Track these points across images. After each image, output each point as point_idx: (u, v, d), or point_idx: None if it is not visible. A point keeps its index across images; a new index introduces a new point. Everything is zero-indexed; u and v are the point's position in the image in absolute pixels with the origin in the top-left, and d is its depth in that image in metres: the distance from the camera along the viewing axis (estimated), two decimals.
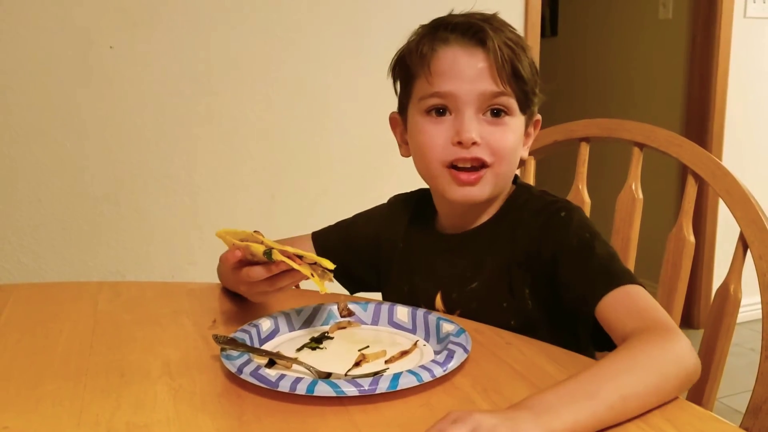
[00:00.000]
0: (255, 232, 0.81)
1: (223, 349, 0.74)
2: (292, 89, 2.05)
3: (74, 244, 1.91)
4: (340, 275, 1.01)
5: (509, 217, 0.94)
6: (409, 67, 0.92)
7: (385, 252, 1.03)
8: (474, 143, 0.87)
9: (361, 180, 2.15)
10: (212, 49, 1.96)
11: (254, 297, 0.84)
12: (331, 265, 0.78)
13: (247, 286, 0.84)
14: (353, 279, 1.05)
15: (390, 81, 0.98)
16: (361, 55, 2.09)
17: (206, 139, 2.00)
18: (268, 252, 0.77)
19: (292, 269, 0.77)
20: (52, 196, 1.88)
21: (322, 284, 0.78)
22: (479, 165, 0.88)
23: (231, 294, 0.98)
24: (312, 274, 0.78)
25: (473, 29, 0.88)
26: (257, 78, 2.01)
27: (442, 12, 0.94)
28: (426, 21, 0.94)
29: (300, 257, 0.78)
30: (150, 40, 1.91)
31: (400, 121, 0.97)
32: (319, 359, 0.75)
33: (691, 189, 1.05)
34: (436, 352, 0.76)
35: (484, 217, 0.95)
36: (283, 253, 0.77)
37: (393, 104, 0.99)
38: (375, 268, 1.04)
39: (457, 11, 0.94)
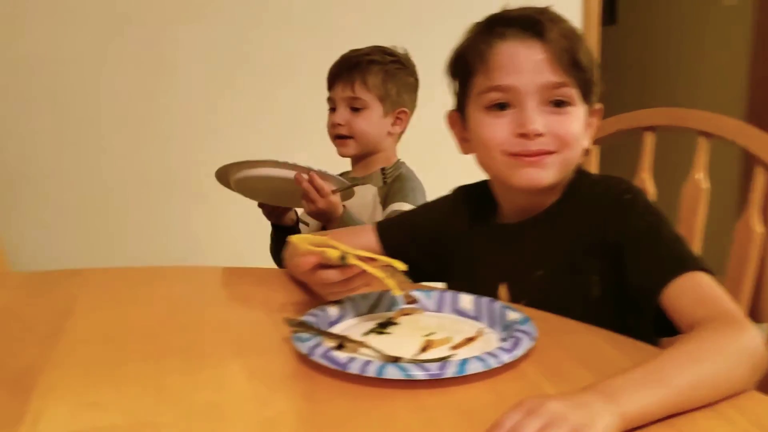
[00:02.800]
0: (325, 239, 0.84)
1: (294, 332, 0.76)
2: None
3: (144, 230, 1.99)
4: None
5: (572, 202, 0.94)
6: (466, 65, 0.94)
7: (448, 243, 1.04)
8: (538, 134, 0.88)
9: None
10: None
11: (328, 297, 0.86)
12: (403, 266, 0.80)
13: (320, 288, 0.86)
14: (415, 269, 1.07)
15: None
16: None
17: (266, 133, 2.04)
18: (343, 257, 0.79)
19: (365, 271, 0.80)
20: (125, 184, 1.96)
21: (395, 285, 0.80)
22: (546, 154, 0.89)
23: (297, 280, 1.01)
24: (385, 276, 0.80)
25: (529, 22, 0.90)
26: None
27: (491, 8, 0.95)
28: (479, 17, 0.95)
29: (373, 259, 0.80)
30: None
31: (459, 118, 0.98)
32: (385, 344, 0.77)
33: (761, 179, 1.03)
34: (502, 340, 0.77)
35: (547, 204, 0.95)
36: (357, 256, 0.80)
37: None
38: (437, 260, 1.05)
39: (508, 8, 0.94)
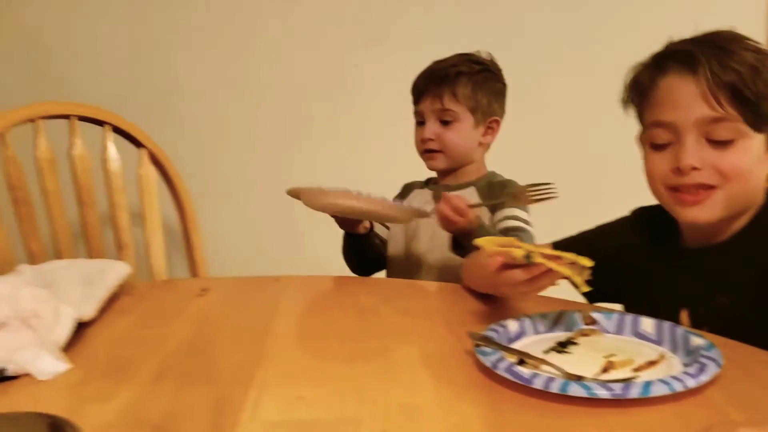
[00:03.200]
0: (510, 239, 0.88)
1: (476, 345, 0.81)
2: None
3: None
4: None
5: (761, 229, 0.91)
6: (636, 97, 0.96)
7: (627, 265, 1.04)
8: (694, 168, 0.87)
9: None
10: None
11: (515, 297, 0.91)
12: (589, 263, 0.82)
13: (508, 288, 0.90)
14: (593, 289, 1.08)
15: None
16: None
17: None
18: (528, 255, 0.83)
19: (551, 270, 0.83)
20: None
21: (581, 282, 0.83)
22: (705, 188, 0.88)
23: (473, 294, 1.06)
24: (571, 274, 0.83)
25: (685, 56, 0.90)
26: None
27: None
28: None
29: (558, 258, 0.83)
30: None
31: (640, 143, 1.00)
32: (565, 362, 0.79)
33: None
34: (686, 365, 0.77)
35: (732, 230, 0.93)
36: (543, 254, 0.83)
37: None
38: (615, 281, 1.06)
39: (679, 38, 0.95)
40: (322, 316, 1.02)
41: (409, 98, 2.02)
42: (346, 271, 1.47)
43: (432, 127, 1.45)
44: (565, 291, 1.05)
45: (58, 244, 1.51)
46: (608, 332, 0.90)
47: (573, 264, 0.83)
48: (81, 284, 1.00)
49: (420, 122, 1.49)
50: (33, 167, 1.49)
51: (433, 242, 1.44)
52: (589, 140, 2.10)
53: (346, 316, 1.02)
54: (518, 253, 0.85)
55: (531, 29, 2.05)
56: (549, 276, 0.86)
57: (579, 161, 2.09)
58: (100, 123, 1.58)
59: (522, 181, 1.43)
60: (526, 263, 0.84)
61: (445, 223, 1.28)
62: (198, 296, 1.12)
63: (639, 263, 1.03)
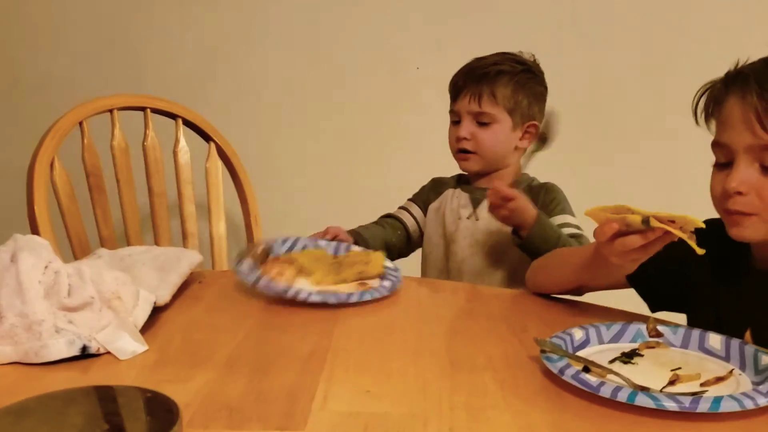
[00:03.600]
0: (622, 205, 0.87)
1: (543, 351, 0.82)
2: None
3: None
4: (645, 291, 1.05)
5: None
6: (707, 115, 0.97)
7: (695, 275, 1.03)
8: (738, 193, 0.87)
9: None
10: None
11: (627, 265, 0.91)
12: (701, 224, 0.82)
13: (620, 256, 0.89)
14: (657, 296, 1.07)
15: None
16: None
17: None
18: (646, 220, 0.83)
19: (664, 235, 0.83)
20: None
21: (695, 244, 0.82)
22: (744, 214, 0.88)
23: (533, 300, 1.07)
24: (687, 237, 0.82)
25: (743, 78, 0.90)
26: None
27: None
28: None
29: (672, 222, 0.83)
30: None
31: None
32: (631, 373, 0.80)
33: None
34: (755, 383, 0.77)
35: None
36: (657, 219, 0.83)
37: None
38: (681, 289, 1.05)
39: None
40: (386, 313, 1.04)
41: None
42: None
43: (468, 127, 1.40)
44: (630, 302, 1.05)
45: (127, 230, 1.57)
46: (674, 345, 0.90)
47: (682, 228, 0.83)
48: (156, 270, 1.04)
49: (456, 121, 1.44)
50: (108, 155, 1.55)
51: (472, 248, 1.43)
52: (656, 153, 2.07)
53: (408, 315, 1.04)
54: (635, 219, 0.84)
55: (594, 35, 2.03)
56: (661, 240, 0.85)
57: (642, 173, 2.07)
58: (172, 116, 1.63)
59: (562, 184, 1.44)
60: (643, 228, 0.84)
61: (498, 212, 1.27)
62: None
63: (706, 275, 1.02)
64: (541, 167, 1.46)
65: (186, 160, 1.65)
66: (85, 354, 0.83)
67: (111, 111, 1.55)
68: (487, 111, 1.38)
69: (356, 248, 1.22)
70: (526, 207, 1.27)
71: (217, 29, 2.06)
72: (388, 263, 1.16)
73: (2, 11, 2.06)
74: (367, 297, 1.04)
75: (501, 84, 1.38)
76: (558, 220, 1.38)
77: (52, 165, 1.42)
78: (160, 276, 1.02)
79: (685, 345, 0.89)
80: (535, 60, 1.46)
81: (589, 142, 2.04)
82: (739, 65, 0.94)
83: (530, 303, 1.08)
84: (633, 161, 2.07)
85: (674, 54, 2.02)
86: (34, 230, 1.36)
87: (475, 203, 1.45)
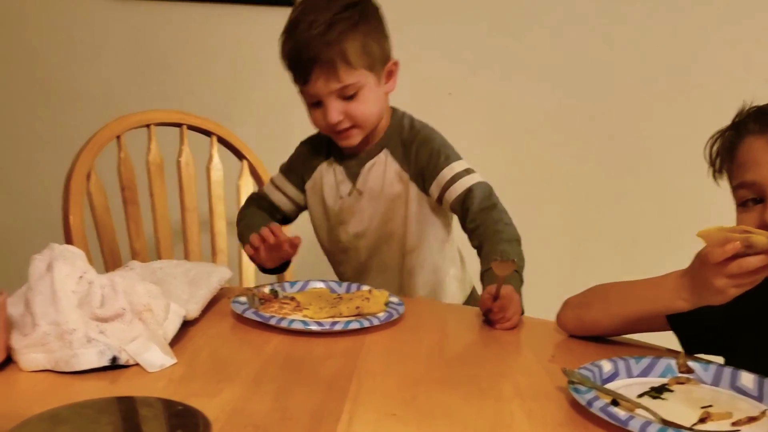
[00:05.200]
0: (740, 227, 0.85)
1: (571, 383, 0.81)
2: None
3: None
4: (684, 334, 1.03)
5: None
6: (721, 166, 0.97)
7: (734, 317, 1.01)
8: None
9: None
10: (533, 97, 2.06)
11: (730, 291, 0.85)
12: None
13: (732, 279, 0.84)
14: (697, 339, 1.04)
15: None
16: None
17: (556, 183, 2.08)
18: None
19: None
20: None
21: None
22: None
23: (561, 329, 1.06)
24: None
25: (760, 115, 0.91)
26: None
27: None
28: None
29: None
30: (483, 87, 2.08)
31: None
32: (660, 408, 0.78)
33: None
34: None
35: None
36: None
37: None
38: (720, 331, 1.02)
39: None
40: (411, 337, 1.03)
41: (501, 122, 2.05)
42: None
43: (335, 107, 1.23)
44: (656, 336, 1.03)
45: (158, 244, 1.59)
46: (704, 382, 0.88)
47: None
48: (187, 284, 1.05)
49: (315, 103, 1.26)
50: (143, 169, 1.57)
51: (362, 224, 1.36)
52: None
53: (433, 340, 1.04)
54: (759, 239, 0.80)
55: (625, 61, 2.03)
56: None
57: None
58: (207, 133, 1.65)
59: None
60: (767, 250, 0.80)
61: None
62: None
63: (746, 316, 1.00)
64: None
65: (219, 176, 1.67)
66: (114, 364, 0.84)
67: (148, 126, 1.57)
68: (350, 82, 1.21)
69: (365, 288, 1.17)
70: (515, 298, 1.09)
71: (253, 49, 2.09)
72: (393, 299, 1.13)
73: (43, 27, 2.11)
74: (355, 326, 1.00)
75: (349, 44, 1.19)
76: (448, 172, 1.29)
77: (88, 177, 1.45)
78: (190, 290, 1.03)
79: (716, 382, 0.88)
80: None
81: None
82: (745, 109, 0.95)
83: (557, 332, 1.07)
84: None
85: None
86: (69, 240, 1.39)
87: (353, 177, 1.35)
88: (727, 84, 1.93)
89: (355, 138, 1.28)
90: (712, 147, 0.99)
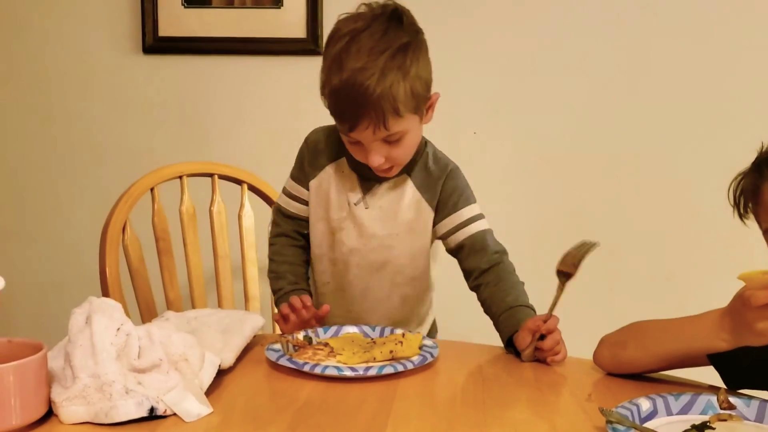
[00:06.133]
0: None
1: (609, 422, 0.80)
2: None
3: None
4: (726, 369, 1.01)
5: None
6: (746, 207, 0.97)
7: None
8: None
9: None
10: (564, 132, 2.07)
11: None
12: None
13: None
14: (740, 375, 1.02)
15: None
16: None
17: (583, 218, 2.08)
18: None
19: None
20: None
21: None
22: None
23: (597, 368, 1.05)
24: None
25: None
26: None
27: None
28: None
29: None
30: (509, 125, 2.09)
31: None
32: None
33: None
34: None
35: None
36: None
37: None
38: (765, 365, 1.00)
39: None
40: (446, 380, 1.03)
41: (525, 163, 2.05)
42: (467, 336, 1.45)
43: (379, 152, 1.20)
44: (700, 372, 1.01)
45: (192, 292, 1.61)
46: (747, 419, 0.86)
47: None
48: (221, 332, 1.07)
49: (356, 143, 1.23)
50: (176, 219, 1.60)
51: (361, 240, 1.32)
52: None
53: (469, 383, 1.03)
54: None
55: (650, 93, 2.03)
56: None
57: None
58: (238, 182, 1.69)
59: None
60: None
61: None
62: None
63: None
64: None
65: (250, 223, 1.69)
66: (152, 415, 0.85)
67: (180, 177, 1.61)
68: (396, 130, 1.18)
69: (398, 331, 1.16)
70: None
71: (279, 98, 2.13)
72: (428, 341, 1.13)
73: (77, 83, 2.17)
74: (389, 370, 1.01)
75: (400, 93, 1.14)
76: (466, 213, 1.29)
77: (123, 229, 1.48)
78: (224, 339, 1.04)
79: (760, 419, 0.86)
80: (396, 8, 1.20)
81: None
82: (764, 148, 0.95)
83: (594, 371, 1.06)
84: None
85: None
86: (105, 291, 1.41)
87: (366, 189, 1.31)
88: (759, 115, 1.93)
89: (394, 172, 1.27)
90: (735, 189, 0.98)
